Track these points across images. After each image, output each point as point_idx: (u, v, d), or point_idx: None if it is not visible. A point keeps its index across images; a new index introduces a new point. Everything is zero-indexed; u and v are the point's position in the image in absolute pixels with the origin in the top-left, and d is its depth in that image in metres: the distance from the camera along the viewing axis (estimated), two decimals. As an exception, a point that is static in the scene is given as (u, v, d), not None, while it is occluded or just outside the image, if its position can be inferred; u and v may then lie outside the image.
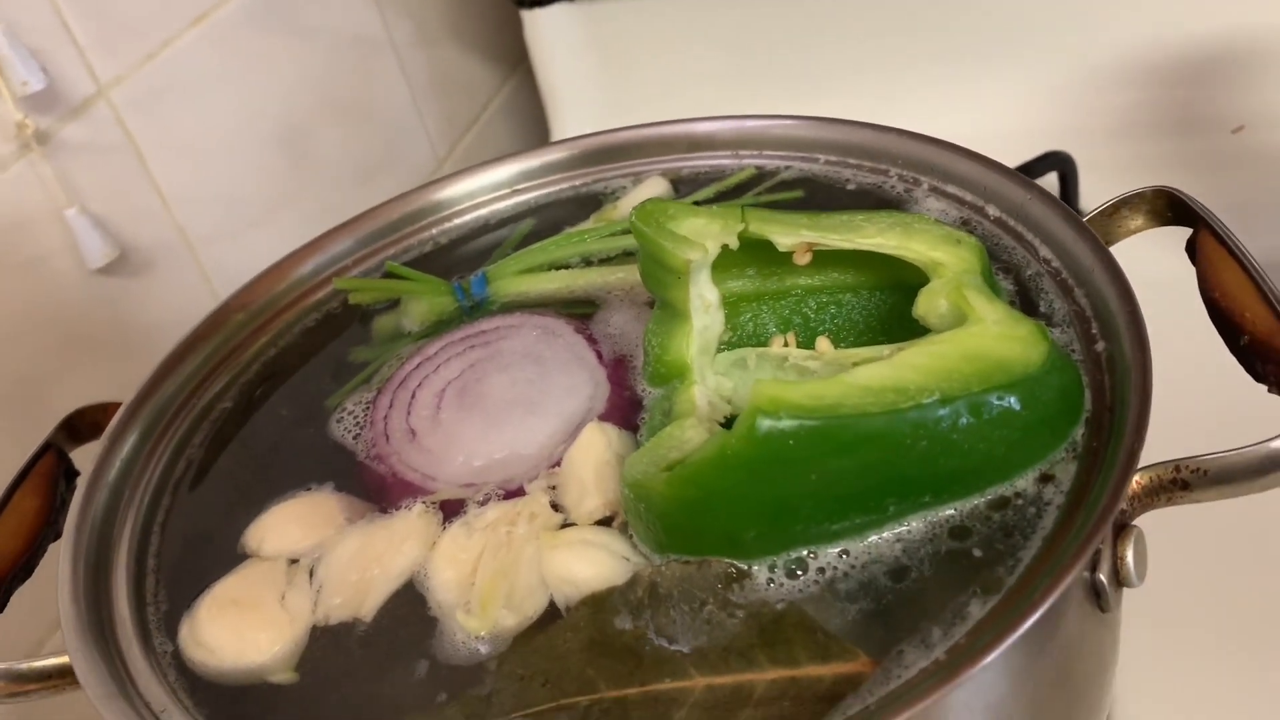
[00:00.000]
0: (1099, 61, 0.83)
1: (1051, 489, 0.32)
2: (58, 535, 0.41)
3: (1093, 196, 0.75)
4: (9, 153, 0.58)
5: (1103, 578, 0.33)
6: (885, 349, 0.35)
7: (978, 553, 0.31)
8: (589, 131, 0.52)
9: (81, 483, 0.40)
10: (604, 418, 0.39)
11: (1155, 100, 0.83)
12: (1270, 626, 0.49)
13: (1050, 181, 0.78)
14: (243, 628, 0.34)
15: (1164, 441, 0.37)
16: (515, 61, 1.03)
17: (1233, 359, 0.37)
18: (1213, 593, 0.50)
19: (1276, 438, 0.32)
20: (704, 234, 0.38)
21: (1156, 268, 0.43)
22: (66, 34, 0.62)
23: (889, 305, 0.40)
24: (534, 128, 1.03)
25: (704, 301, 0.38)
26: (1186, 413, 0.46)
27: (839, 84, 0.86)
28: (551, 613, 0.33)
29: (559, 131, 0.94)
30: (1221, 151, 0.80)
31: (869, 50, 0.85)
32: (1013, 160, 0.76)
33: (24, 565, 0.40)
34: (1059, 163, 0.78)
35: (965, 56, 0.84)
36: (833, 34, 0.85)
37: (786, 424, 0.30)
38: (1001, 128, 0.83)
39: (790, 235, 0.38)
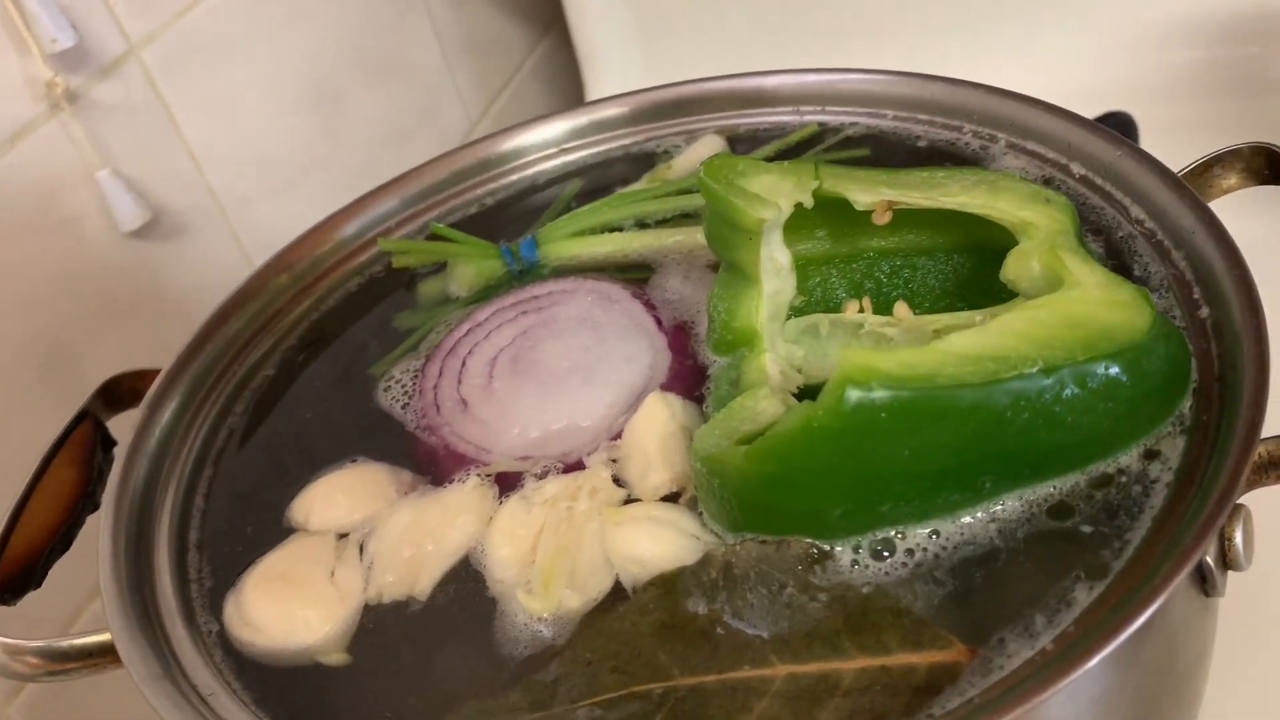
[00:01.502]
0: (1161, 18, 0.80)
1: (1158, 466, 0.30)
2: (95, 507, 0.40)
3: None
4: (40, 112, 0.56)
5: (1210, 561, 0.30)
6: (975, 315, 0.33)
7: (1080, 534, 0.29)
8: (647, 86, 0.50)
9: (120, 453, 0.38)
10: (665, 387, 0.37)
11: (1220, 59, 0.80)
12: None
13: (1111, 143, 0.75)
14: (291, 605, 0.32)
15: (1273, 414, 0.35)
16: (550, 21, 1.01)
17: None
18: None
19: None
20: (776, 192, 0.35)
21: (1255, 230, 0.40)
22: (96, -10, 0.60)
23: (968, 269, 0.38)
24: (569, 89, 1.01)
25: (775, 264, 0.36)
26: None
27: (888, 43, 0.83)
28: (617, 594, 0.31)
29: (595, 93, 0.91)
30: (1287, 112, 0.76)
31: (920, 8, 0.82)
32: (1072, 121, 0.74)
33: (62, 538, 0.39)
34: (1119, 124, 0.75)
35: (1023, 14, 0.81)
36: (884, -7, 0.82)
37: (878, 395, 0.28)
38: (1060, 87, 0.79)
39: (869, 193, 0.36)
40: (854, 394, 0.28)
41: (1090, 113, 0.74)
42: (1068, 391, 0.28)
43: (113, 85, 0.61)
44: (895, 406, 0.28)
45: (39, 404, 0.53)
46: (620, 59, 0.91)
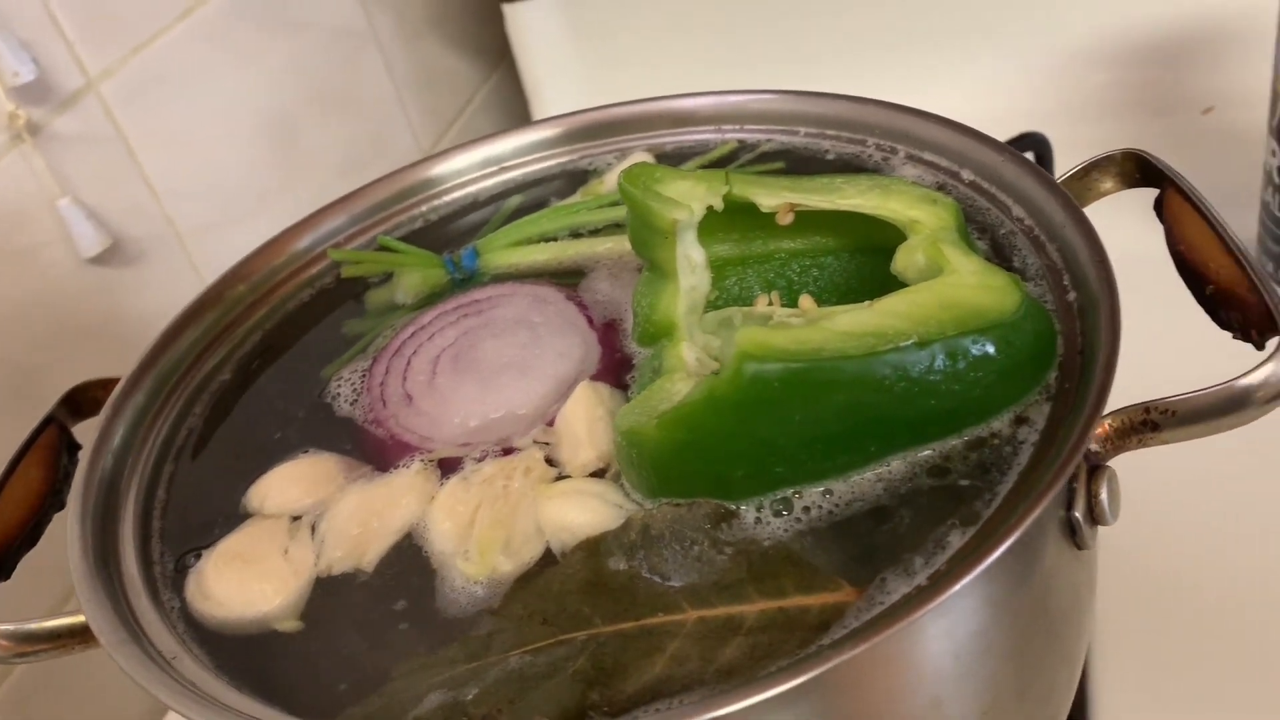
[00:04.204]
0: (1073, 44, 0.85)
1: (1026, 429, 0.34)
2: (61, 506, 0.42)
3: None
4: (2, 143, 0.58)
5: (1078, 515, 0.34)
6: (866, 304, 0.36)
7: (956, 489, 0.32)
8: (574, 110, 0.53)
9: (86, 450, 0.40)
10: (596, 378, 0.40)
11: (1128, 82, 0.85)
12: (1248, 575, 0.50)
13: (1026, 162, 0.80)
14: (247, 580, 0.35)
15: (1136, 388, 0.38)
16: (500, 56, 1.05)
17: (1200, 309, 0.38)
18: (1189, 541, 0.52)
19: (1239, 377, 0.33)
20: (690, 195, 0.39)
21: (1128, 231, 0.44)
22: (55, 27, 0.63)
23: (870, 267, 0.41)
24: (519, 122, 1.04)
25: (690, 261, 0.39)
26: (1157, 361, 0.47)
27: (817, 71, 0.87)
28: (548, 559, 0.34)
29: (542, 123, 0.95)
30: (1192, 131, 0.81)
31: (847, 36, 0.87)
32: (989, 141, 0.79)
33: (29, 534, 0.41)
34: (1035, 143, 0.79)
35: (943, 40, 0.85)
36: (810, 22, 0.87)
37: (771, 367, 0.31)
38: (979, 110, 0.84)
39: (773, 196, 0.39)
40: (750, 367, 0.31)
41: (1008, 133, 0.79)
42: (939, 362, 0.32)
43: (72, 117, 0.64)
44: (787, 377, 0.31)
45: (0, 424, 0.55)
46: (566, 91, 0.94)
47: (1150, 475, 0.46)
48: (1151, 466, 0.42)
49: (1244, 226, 0.68)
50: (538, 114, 0.95)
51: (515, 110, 1.04)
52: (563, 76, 0.94)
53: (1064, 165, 0.79)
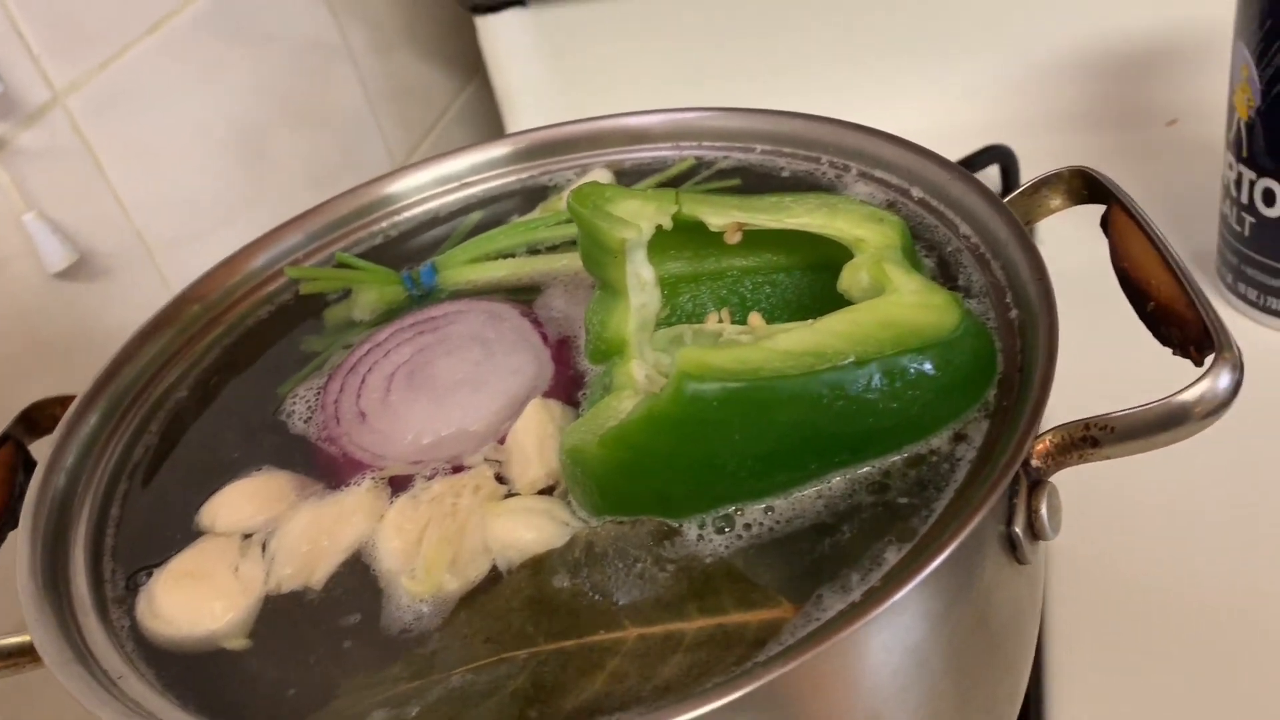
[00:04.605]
0: (1038, 57, 0.86)
1: (964, 446, 0.34)
2: (16, 523, 0.42)
3: (1033, 187, 0.78)
4: (-34, 158, 0.59)
5: (1018, 530, 0.34)
6: (808, 323, 0.37)
7: (894, 506, 0.33)
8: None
9: (39, 468, 0.41)
10: (548, 395, 0.41)
11: (1092, 94, 0.86)
12: (1199, 589, 0.51)
13: (992, 174, 0.80)
14: (196, 598, 0.35)
15: (1079, 403, 0.39)
16: (474, 68, 1.05)
17: (1143, 326, 0.39)
18: (1141, 552, 0.52)
19: (1176, 394, 0.34)
20: (639, 215, 0.39)
21: (1079, 247, 0.45)
22: (20, 41, 0.63)
23: (821, 284, 0.42)
24: (492, 134, 1.05)
25: (640, 280, 0.40)
26: (1101, 377, 0.48)
27: (785, 85, 0.88)
28: (494, 577, 0.35)
29: (515, 136, 0.95)
30: (1157, 144, 0.82)
31: (814, 50, 0.87)
32: (955, 153, 0.79)
33: (-18, 552, 0.41)
34: (1000, 155, 0.80)
35: (908, 54, 0.86)
36: (779, 40, 0.87)
37: (710, 387, 0.32)
38: (944, 123, 0.85)
39: (721, 216, 0.40)
40: (690, 386, 0.32)
41: (973, 145, 0.80)
42: (877, 381, 0.33)
43: (39, 131, 0.64)
44: (726, 396, 0.32)
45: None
46: (539, 103, 0.95)
47: (1106, 484, 0.47)
48: (1105, 475, 0.42)
49: (1207, 237, 0.69)
50: (511, 126, 0.95)
51: (490, 122, 1.05)
52: (536, 88, 0.95)
53: (1029, 176, 0.80)
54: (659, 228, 0.40)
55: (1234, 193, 0.63)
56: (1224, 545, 0.52)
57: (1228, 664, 0.48)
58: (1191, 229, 0.72)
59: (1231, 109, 0.62)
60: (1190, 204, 0.74)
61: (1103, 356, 0.50)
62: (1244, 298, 0.65)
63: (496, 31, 0.91)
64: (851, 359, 0.32)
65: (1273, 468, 0.55)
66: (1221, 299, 0.67)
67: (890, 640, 0.31)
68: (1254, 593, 0.50)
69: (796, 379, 0.32)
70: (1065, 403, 0.38)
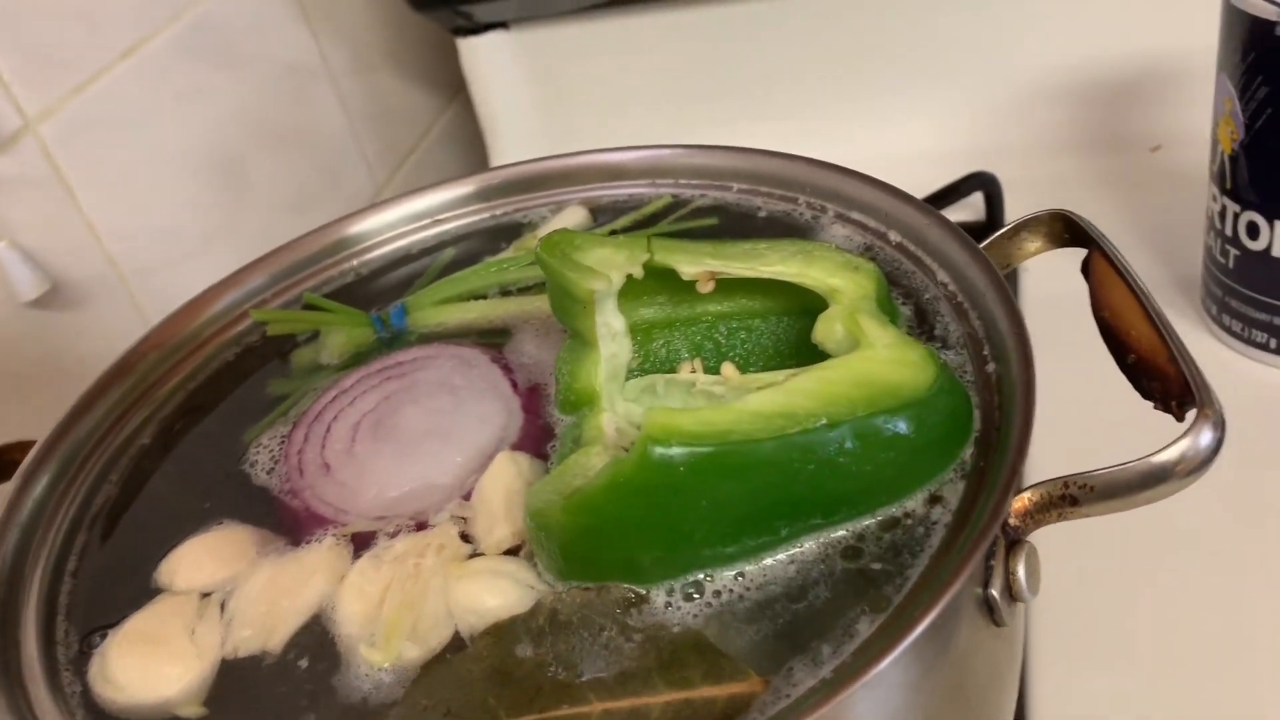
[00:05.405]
0: (1022, 84, 0.85)
1: (940, 509, 0.33)
2: (-28, 576, 0.41)
3: (1018, 215, 0.77)
4: (-66, 188, 0.57)
5: (995, 593, 0.33)
6: (781, 374, 0.36)
7: (868, 572, 0.32)
8: (526, 159, 0.53)
9: (-5, 521, 0.39)
10: (517, 446, 0.40)
11: (1076, 121, 0.85)
12: (1181, 636, 0.50)
13: (976, 201, 0.80)
14: (150, 663, 0.34)
15: (1061, 458, 0.38)
16: (456, 89, 1.04)
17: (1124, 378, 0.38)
18: (1122, 605, 0.51)
19: (1156, 453, 0.33)
20: (609, 264, 0.38)
21: (1065, 278, 0.44)
22: (-10, 68, 0.62)
23: (797, 330, 0.41)
24: (475, 155, 1.04)
25: (610, 330, 0.39)
26: (1083, 430, 0.47)
27: (770, 111, 0.88)
28: (457, 643, 0.34)
29: (498, 159, 0.95)
30: (1141, 170, 0.82)
31: (799, 77, 0.87)
32: (939, 181, 0.79)
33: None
34: (984, 183, 0.80)
35: (892, 81, 0.86)
36: (763, 63, 0.87)
37: (677, 451, 0.31)
38: (929, 149, 0.85)
39: (694, 264, 0.39)
40: (656, 450, 0.31)
41: (958, 172, 0.80)
42: (850, 444, 0.32)
43: (9, 159, 0.63)
44: (693, 461, 0.31)
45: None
46: (522, 125, 0.94)
47: (1089, 529, 0.46)
48: (1087, 522, 0.42)
49: (1192, 264, 0.69)
50: (493, 147, 0.94)
51: (472, 143, 1.04)
52: (518, 110, 0.94)
53: (1013, 203, 0.80)
54: (629, 276, 0.39)
55: (1218, 225, 0.62)
56: (1211, 591, 0.51)
57: (1213, 717, 0.47)
58: (1176, 255, 0.71)
59: (1215, 141, 0.61)
60: (1175, 230, 0.74)
61: (1084, 399, 0.49)
62: (1229, 330, 0.64)
63: (479, 53, 0.90)
64: (824, 421, 0.32)
65: (1259, 504, 0.55)
66: (1207, 330, 0.66)
67: (864, 713, 0.30)
68: (1241, 644, 0.49)
69: (766, 443, 0.31)
70: (1045, 452, 0.37)
